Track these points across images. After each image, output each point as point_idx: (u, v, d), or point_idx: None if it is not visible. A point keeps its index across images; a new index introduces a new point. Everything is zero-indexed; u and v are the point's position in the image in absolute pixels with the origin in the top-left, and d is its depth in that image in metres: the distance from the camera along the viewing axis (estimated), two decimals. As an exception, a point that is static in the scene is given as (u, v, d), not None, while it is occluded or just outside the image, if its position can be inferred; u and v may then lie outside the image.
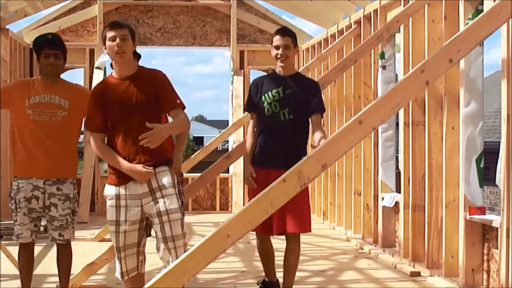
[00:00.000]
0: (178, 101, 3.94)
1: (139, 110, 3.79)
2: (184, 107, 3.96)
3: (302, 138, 4.68)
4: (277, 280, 4.79)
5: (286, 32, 4.68)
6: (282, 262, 4.65)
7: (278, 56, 4.61)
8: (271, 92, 4.62)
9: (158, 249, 3.83)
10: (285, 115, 4.58)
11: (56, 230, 4.29)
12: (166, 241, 3.74)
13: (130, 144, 3.80)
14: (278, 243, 4.88)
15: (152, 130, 3.69)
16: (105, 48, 3.88)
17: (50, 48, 4.28)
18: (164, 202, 3.75)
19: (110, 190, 3.88)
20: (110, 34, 3.81)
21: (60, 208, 4.25)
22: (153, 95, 3.84)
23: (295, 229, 4.51)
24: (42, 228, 4.44)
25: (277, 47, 4.61)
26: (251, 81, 5.35)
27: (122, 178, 3.82)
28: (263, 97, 4.64)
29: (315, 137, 4.53)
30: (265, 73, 4.89)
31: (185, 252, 3.41)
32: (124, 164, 3.78)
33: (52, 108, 4.26)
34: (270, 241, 4.76)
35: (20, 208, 4.25)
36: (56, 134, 4.25)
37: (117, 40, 3.78)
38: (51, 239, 4.35)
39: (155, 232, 3.83)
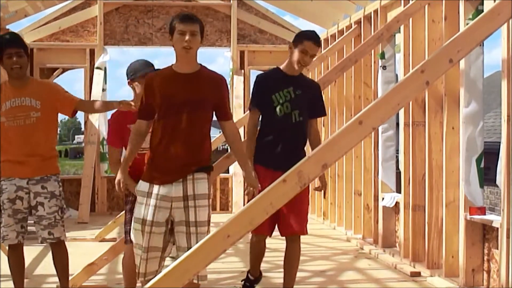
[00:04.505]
0: (230, 112, 3.84)
1: (191, 109, 3.61)
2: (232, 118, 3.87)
3: (306, 140, 4.63)
4: (261, 272, 4.84)
5: (318, 41, 4.52)
6: (283, 263, 4.63)
7: (302, 62, 4.42)
8: (283, 92, 4.44)
9: (175, 258, 3.57)
10: (296, 117, 4.46)
11: (45, 229, 4.23)
12: None
13: (177, 142, 3.62)
14: (278, 243, 4.89)
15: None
16: (171, 39, 3.66)
17: (11, 48, 4.19)
18: (195, 213, 3.60)
19: (142, 187, 3.68)
20: (180, 27, 3.59)
21: (47, 206, 4.22)
22: (209, 99, 3.67)
23: (297, 231, 4.46)
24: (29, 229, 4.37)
25: (305, 52, 4.40)
26: (251, 82, 5.32)
27: (158, 177, 3.64)
28: (273, 97, 4.45)
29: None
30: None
31: None
32: (121, 172, 3.81)
33: (24, 111, 4.20)
34: (265, 241, 4.76)
35: (4, 209, 4.21)
36: (34, 136, 4.21)
37: (187, 35, 3.58)
38: (41, 240, 4.27)
39: (175, 240, 3.67)
